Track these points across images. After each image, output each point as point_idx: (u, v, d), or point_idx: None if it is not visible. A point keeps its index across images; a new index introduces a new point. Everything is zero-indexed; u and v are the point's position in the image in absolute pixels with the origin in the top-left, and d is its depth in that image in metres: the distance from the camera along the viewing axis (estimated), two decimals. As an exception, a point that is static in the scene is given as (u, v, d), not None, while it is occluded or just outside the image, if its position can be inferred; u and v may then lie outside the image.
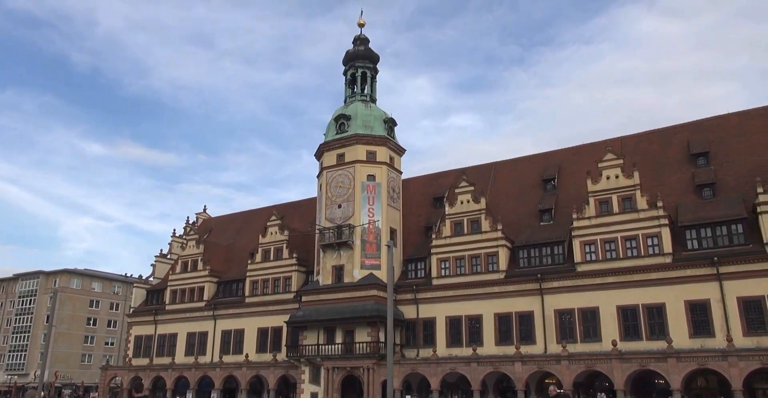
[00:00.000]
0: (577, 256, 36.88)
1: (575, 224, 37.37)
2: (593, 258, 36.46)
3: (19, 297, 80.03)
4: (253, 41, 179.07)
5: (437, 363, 37.52)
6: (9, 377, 74.06)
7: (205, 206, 66.21)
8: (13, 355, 76.57)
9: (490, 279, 39.30)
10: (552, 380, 34.92)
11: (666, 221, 34.87)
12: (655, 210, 35.19)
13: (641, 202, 35.82)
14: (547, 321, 36.77)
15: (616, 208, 36.57)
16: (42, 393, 37.92)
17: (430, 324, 40.94)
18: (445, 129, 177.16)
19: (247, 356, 46.92)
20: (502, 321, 38.39)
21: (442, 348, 39.25)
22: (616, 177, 37.15)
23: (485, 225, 40.66)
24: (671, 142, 41.90)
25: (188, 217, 62.27)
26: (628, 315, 34.70)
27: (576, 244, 37.11)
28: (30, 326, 76.60)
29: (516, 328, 37.74)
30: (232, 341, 49.60)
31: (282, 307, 47.08)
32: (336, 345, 41.76)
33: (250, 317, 49.00)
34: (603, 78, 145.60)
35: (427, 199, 48.65)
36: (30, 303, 78.25)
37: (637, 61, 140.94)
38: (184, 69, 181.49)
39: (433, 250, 42.03)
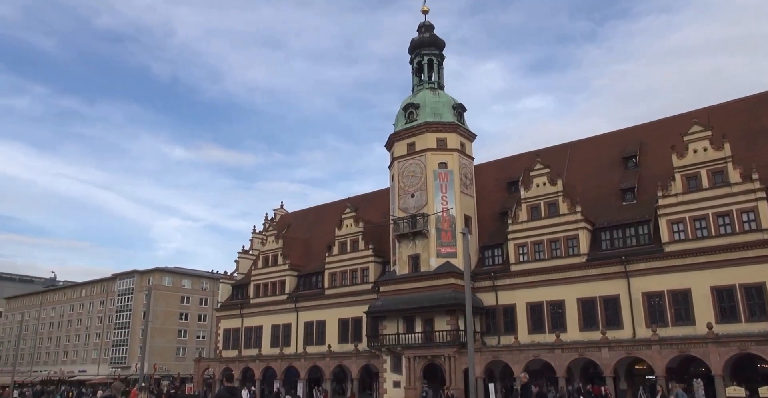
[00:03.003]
0: (665, 236, 34.92)
1: (661, 202, 35.39)
2: (682, 237, 34.41)
3: (118, 295, 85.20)
4: (320, 38, 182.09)
5: (519, 350, 36.70)
6: (113, 370, 79.13)
7: (282, 202, 68.00)
8: (115, 349, 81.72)
9: (572, 263, 37.95)
10: (642, 366, 33.43)
11: (763, 194, 32.32)
12: (750, 184, 32.72)
13: (734, 176, 33.40)
14: (635, 304, 35.09)
15: (705, 183, 34.31)
16: (144, 384, 40.26)
17: (510, 311, 40.09)
18: (516, 112, 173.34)
19: (329, 346, 47.77)
20: (586, 305, 36.99)
21: (523, 334, 38.35)
22: (705, 150, 34.83)
23: (563, 207, 39.28)
24: (764, 109, 38.78)
25: (267, 214, 64.15)
26: (723, 296, 32.52)
27: (662, 223, 35.16)
28: (129, 322, 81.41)
29: (601, 313, 36.26)
30: (315, 332, 50.65)
31: (361, 298, 47.53)
32: (416, 334, 41.66)
33: (331, 308, 49.81)
34: (683, 48, 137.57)
35: (500, 184, 47.56)
36: (128, 301, 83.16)
37: (720, 28, 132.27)
38: (256, 71, 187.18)
39: (509, 236, 41.07)
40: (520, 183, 43.78)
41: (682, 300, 33.75)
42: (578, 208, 38.54)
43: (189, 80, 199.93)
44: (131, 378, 70.13)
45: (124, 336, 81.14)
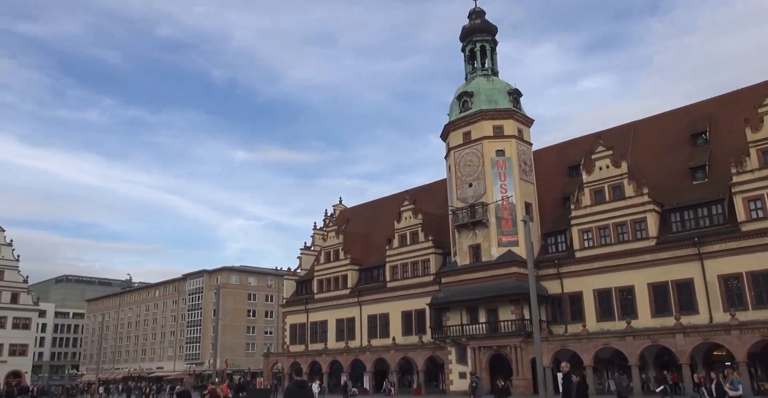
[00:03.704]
0: (741, 215, 33.01)
1: (735, 179, 33.48)
2: (760, 215, 32.44)
3: (189, 294, 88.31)
4: (371, 33, 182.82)
5: (588, 338, 35.59)
6: (188, 366, 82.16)
7: (340, 198, 68.61)
8: (189, 346, 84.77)
9: (640, 248, 36.43)
10: (721, 352, 31.74)
11: None
12: (835, 155, 30.45)
13: (815, 147, 31.17)
14: (710, 288, 33.34)
15: (784, 157, 32.18)
16: (216, 379, 41.48)
17: (576, 298, 38.94)
18: (575, 94, 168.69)
19: (393, 339, 47.81)
20: (658, 291, 35.47)
21: (592, 322, 37.16)
22: (781, 121, 32.68)
23: (629, 190, 37.78)
24: None
25: (326, 210, 64.82)
26: (810, 277, 30.44)
27: (738, 202, 33.25)
28: (200, 320, 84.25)
29: (674, 298, 34.69)
30: (379, 325, 50.80)
31: (423, 290, 47.32)
32: (480, 325, 41.14)
33: (393, 301, 49.80)
34: (751, 15, 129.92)
35: (561, 169, 46.19)
36: (198, 300, 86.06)
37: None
38: (310, 70, 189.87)
39: (573, 222, 39.87)
40: (581, 167, 42.40)
41: (763, 282, 31.81)
42: (645, 190, 36.97)
43: (247, 83, 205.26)
44: (205, 374, 72.62)
45: (197, 333, 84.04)
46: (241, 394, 37.14)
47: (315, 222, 64.25)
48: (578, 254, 39.17)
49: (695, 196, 35.88)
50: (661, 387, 30.35)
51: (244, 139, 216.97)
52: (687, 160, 38.79)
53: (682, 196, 36.68)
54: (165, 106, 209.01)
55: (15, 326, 69.63)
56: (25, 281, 72.54)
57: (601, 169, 39.42)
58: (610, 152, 39.41)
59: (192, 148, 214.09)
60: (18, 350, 69.55)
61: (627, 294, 36.74)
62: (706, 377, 31.61)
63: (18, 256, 71.73)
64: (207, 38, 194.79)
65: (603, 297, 37.71)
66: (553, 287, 40.00)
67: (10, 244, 71.26)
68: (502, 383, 27.29)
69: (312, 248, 62.43)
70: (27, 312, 71.46)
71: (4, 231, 70.95)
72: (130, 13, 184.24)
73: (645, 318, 35.31)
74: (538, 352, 23.30)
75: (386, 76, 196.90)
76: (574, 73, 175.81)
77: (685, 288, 34.46)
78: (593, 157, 40.21)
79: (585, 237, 39.20)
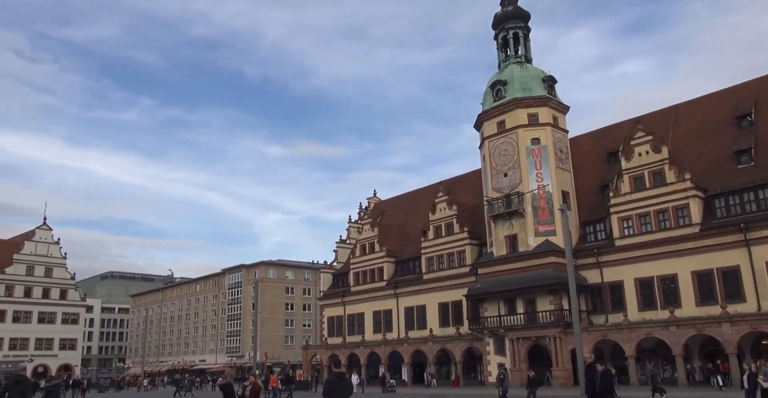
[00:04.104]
0: (789, 199, 31.73)
1: (783, 162, 32.17)
2: (811, 199, 31.11)
3: (228, 288, 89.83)
4: (402, 24, 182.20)
5: (630, 328, 34.83)
6: (229, 358, 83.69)
7: (375, 191, 68.45)
8: (230, 340, 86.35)
9: (683, 235, 35.39)
10: (769, 341, 30.66)
11: None
12: None
13: None
14: (758, 275, 32.17)
15: (835, 138, 30.79)
16: (257, 372, 42.03)
17: (617, 288, 38.12)
18: (612, 79, 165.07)
19: (431, 330, 47.69)
20: (702, 279, 34.41)
21: (633, 312, 36.33)
22: (832, 101, 31.23)
23: (670, 176, 36.70)
24: None
25: (360, 203, 64.95)
26: None
27: (786, 185, 31.95)
28: (240, 314, 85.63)
29: (719, 286, 33.61)
30: (416, 317, 50.72)
31: (459, 281, 47.01)
32: (518, 316, 40.69)
33: (430, 293, 49.63)
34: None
35: (599, 156, 45.18)
36: (237, 294, 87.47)
37: None
38: (342, 64, 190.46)
39: (612, 209, 38.99)
40: (620, 153, 41.31)
41: (815, 268, 30.54)
42: (687, 175, 35.86)
43: (280, 79, 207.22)
44: (246, 366, 73.79)
45: (237, 326, 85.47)
46: (281, 387, 37.47)
47: (350, 216, 64.56)
48: (618, 242, 38.31)
49: (741, 181, 34.63)
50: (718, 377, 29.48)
51: (278, 134, 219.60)
52: (731, 144, 37.47)
53: (726, 180, 35.47)
54: (201, 105, 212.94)
55: (64, 321, 72.12)
56: (73, 278, 74.93)
57: (640, 154, 38.39)
58: (650, 137, 38.33)
59: (228, 145, 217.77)
60: (68, 344, 72.03)
61: (669, 282, 35.79)
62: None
63: (65, 254, 74.18)
64: (240, 36, 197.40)
65: (644, 286, 36.82)
66: (592, 276, 39.24)
67: (57, 243, 73.71)
68: (533, 373, 26.95)
69: (347, 241, 62.67)
70: (75, 307, 73.87)
71: (51, 230, 73.36)
72: (165, 14, 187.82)
73: (689, 307, 34.33)
74: (579, 343, 22.94)
75: (418, 68, 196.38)
76: (611, 57, 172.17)
77: (732, 275, 33.36)
78: (632, 142, 39.18)
79: (625, 225, 38.30)
